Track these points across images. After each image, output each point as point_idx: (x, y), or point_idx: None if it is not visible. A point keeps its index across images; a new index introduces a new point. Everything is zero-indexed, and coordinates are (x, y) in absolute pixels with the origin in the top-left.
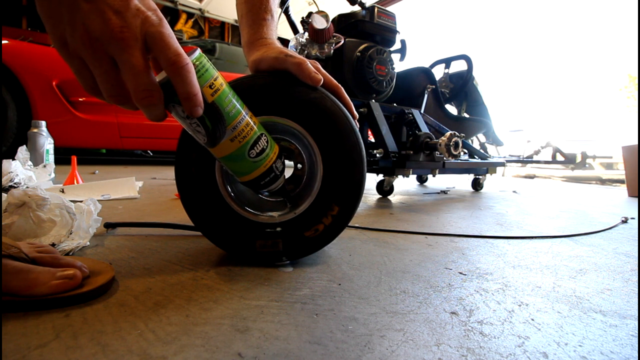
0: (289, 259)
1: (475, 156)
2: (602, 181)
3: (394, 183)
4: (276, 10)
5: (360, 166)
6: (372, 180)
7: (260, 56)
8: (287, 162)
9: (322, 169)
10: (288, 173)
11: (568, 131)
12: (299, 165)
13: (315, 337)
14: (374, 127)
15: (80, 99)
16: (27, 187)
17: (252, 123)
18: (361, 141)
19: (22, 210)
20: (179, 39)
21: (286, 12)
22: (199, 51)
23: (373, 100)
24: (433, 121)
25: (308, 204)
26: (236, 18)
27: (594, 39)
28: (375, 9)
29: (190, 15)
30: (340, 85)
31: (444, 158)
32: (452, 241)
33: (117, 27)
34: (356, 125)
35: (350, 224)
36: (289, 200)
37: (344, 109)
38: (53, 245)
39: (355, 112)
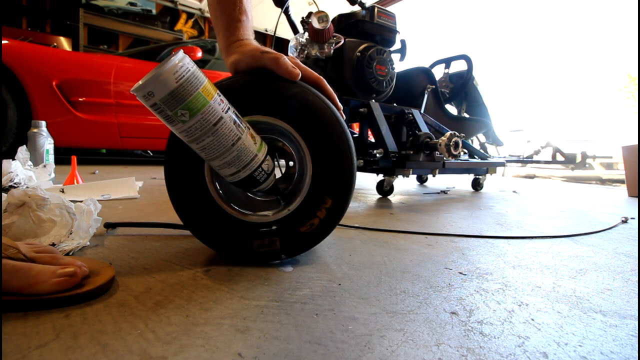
0: (288, 256)
1: (475, 156)
2: (602, 181)
3: (394, 183)
4: (250, 9)
5: (349, 156)
6: (372, 180)
7: (237, 57)
8: (280, 161)
9: (311, 163)
10: (279, 171)
11: (568, 131)
12: (291, 163)
13: (315, 337)
14: (374, 127)
15: (80, 99)
16: (27, 187)
17: (239, 122)
18: (348, 132)
19: (22, 210)
20: (179, 39)
21: (286, 12)
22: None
23: (373, 100)
24: (433, 121)
25: (301, 200)
26: None
27: (594, 39)
28: (375, 9)
29: (190, 15)
30: (321, 77)
31: (444, 158)
32: (452, 241)
33: None
34: (341, 116)
35: (350, 224)
36: (282, 198)
37: (327, 101)
38: (53, 245)
39: (339, 104)
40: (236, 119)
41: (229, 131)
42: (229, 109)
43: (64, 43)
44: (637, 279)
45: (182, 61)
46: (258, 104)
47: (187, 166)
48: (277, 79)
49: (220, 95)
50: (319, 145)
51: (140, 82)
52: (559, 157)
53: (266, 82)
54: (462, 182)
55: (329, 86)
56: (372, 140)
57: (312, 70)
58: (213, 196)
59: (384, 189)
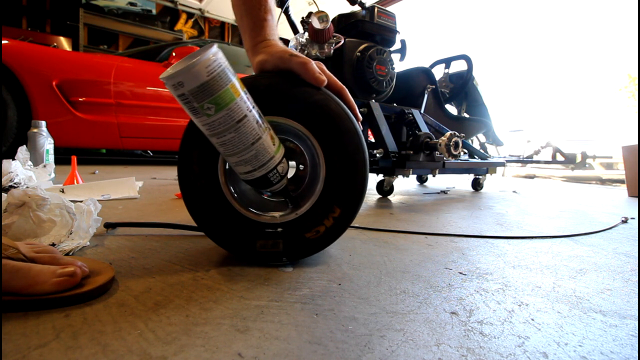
0: (289, 259)
1: (475, 156)
2: (602, 181)
3: (394, 183)
4: (274, 7)
5: (363, 169)
6: (372, 180)
7: (264, 57)
8: (290, 162)
9: (324, 170)
10: (290, 173)
11: (568, 131)
12: (302, 166)
13: (315, 337)
14: (374, 127)
15: (80, 99)
16: (27, 187)
17: (261, 122)
18: (364, 143)
19: (22, 210)
20: (179, 39)
21: (286, 12)
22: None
23: (373, 100)
24: (433, 121)
25: (310, 205)
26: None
27: (594, 39)
28: (375, 9)
29: (190, 15)
30: (344, 86)
31: (444, 158)
32: (452, 241)
33: None
34: (360, 127)
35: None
36: (291, 201)
37: (348, 110)
38: (53, 245)
39: (359, 115)
40: (259, 118)
41: (251, 130)
42: (253, 107)
43: (64, 43)
44: (637, 279)
45: (215, 55)
46: (281, 105)
47: (201, 158)
48: (302, 83)
49: (246, 94)
50: (335, 154)
51: (171, 71)
52: (559, 157)
53: (291, 85)
54: (462, 182)
55: (350, 96)
56: (372, 140)
57: (336, 79)
58: (223, 191)
59: (384, 189)
